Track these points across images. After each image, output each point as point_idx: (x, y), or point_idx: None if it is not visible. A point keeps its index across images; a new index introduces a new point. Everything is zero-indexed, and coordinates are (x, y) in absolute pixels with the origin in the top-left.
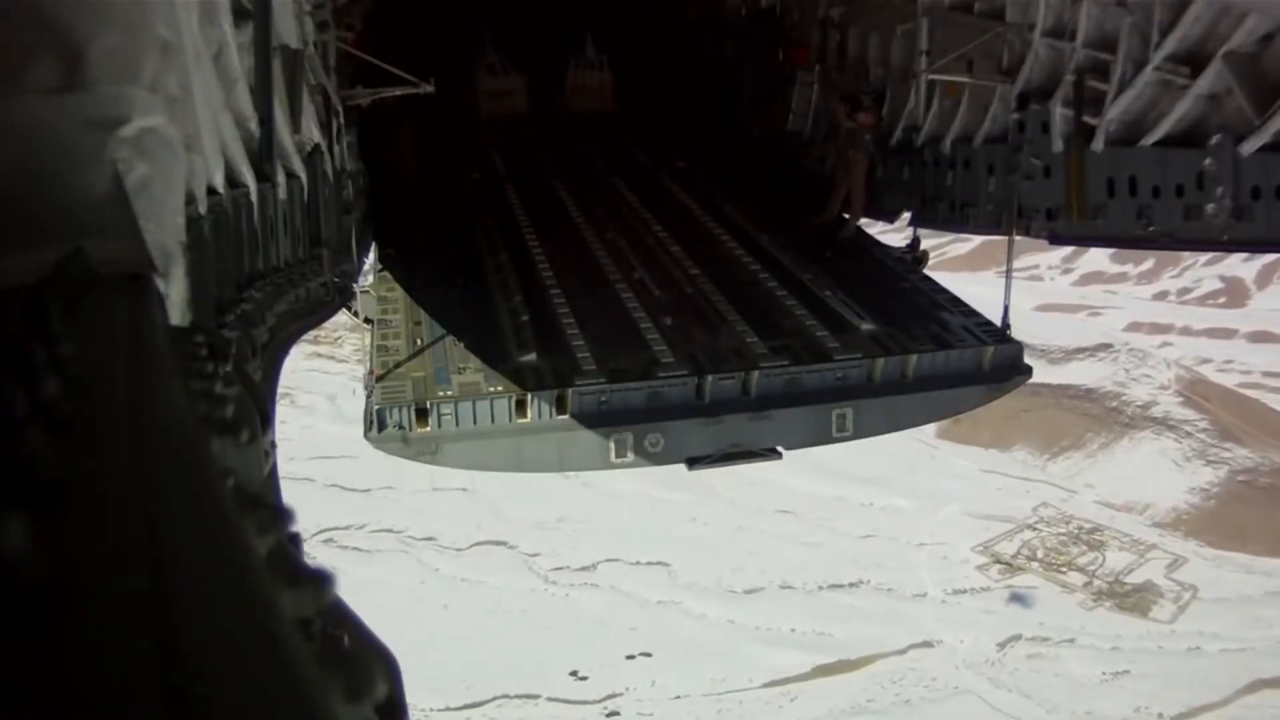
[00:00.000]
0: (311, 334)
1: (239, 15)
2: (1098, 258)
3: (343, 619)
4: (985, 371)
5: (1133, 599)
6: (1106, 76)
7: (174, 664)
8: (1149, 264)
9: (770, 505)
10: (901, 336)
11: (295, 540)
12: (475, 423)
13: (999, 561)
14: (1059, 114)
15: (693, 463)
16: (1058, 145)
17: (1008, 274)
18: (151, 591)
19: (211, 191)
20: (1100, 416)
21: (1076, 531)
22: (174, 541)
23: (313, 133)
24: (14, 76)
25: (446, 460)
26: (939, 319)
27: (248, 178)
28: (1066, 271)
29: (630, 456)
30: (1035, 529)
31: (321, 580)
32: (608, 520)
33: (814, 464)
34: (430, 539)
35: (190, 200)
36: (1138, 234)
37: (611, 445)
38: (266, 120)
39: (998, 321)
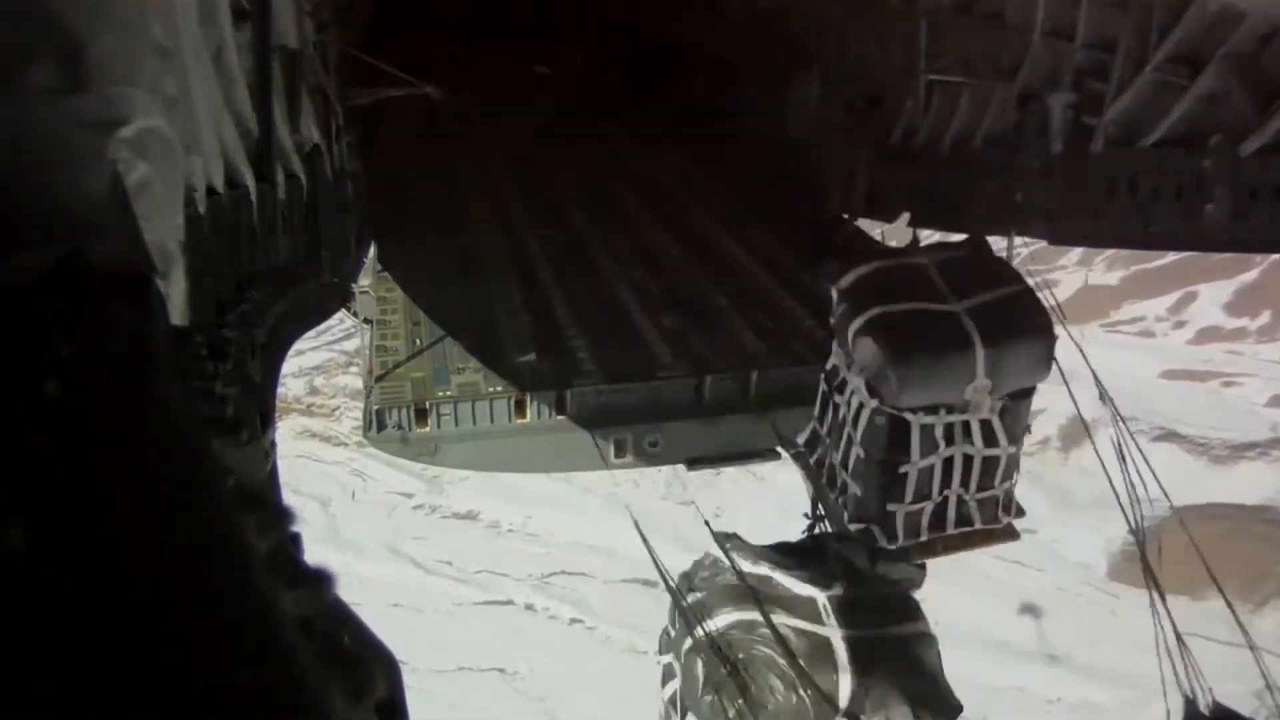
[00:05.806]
0: (304, 403)
1: (238, 15)
2: (1208, 308)
3: (343, 619)
4: None
5: None
6: (1106, 77)
7: (174, 664)
8: (1265, 318)
9: None
10: None
11: (295, 540)
12: (474, 423)
13: None
14: (1058, 114)
15: (693, 463)
16: (1057, 146)
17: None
18: (151, 591)
19: (211, 191)
20: None
21: None
22: (174, 541)
23: (312, 133)
24: (14, 77)
25: (446, 460)
26: None
27: (247, 178)
28: (1179, 326)
29: (629, 457)
30: None
31: (321, 580)
32: None
33: (972, 632)
34: None
35: (190, 200)
36: (1137, 234)
37: (611, 446)
38: (266, 121)
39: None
